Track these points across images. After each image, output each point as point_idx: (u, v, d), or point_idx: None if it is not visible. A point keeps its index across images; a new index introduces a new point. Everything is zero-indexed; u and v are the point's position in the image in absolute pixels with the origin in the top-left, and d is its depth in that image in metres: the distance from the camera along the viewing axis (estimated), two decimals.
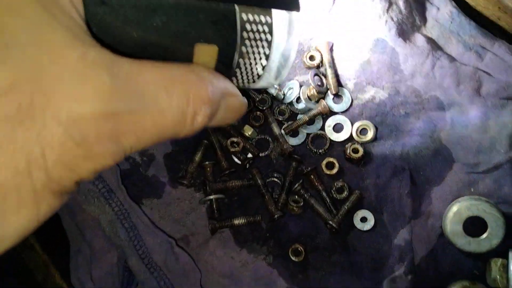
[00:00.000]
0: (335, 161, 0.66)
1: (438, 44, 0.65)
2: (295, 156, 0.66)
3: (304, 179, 0.66)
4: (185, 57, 0.37)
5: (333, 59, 0.68)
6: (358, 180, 0.66)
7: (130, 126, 0.30)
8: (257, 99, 0.68)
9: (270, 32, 0.42)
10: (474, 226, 0.61)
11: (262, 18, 0.41)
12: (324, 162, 0.66)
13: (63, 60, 0.27)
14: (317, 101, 0.68)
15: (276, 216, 0.64)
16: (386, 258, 0.63)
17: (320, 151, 0.67)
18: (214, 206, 0.65)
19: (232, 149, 0.66)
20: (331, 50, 0.68)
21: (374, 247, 0.63)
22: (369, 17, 0.65)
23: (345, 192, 0.65)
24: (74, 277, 0.63)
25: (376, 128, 0.66)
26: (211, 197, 0.64)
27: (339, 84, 0.68)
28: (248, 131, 0.67)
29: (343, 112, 0.68)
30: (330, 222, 0.63)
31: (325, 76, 0.68)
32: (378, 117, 0.67)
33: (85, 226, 0.65)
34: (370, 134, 0.66)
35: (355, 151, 0.65)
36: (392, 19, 0.65)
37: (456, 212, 0.61)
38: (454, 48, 0.64)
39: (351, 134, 0.67)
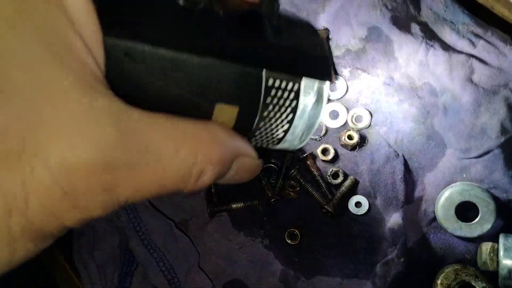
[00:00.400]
0: (330, 147, 0.67)
1: (432, 32, 0.66)
2: None
3: (300, 165, 0.68)
4: (203, 115, 0.36)
5: (329, 47, 0.70)
6: (353, 165, 0.67)
7: (129, 180, 0.29)
8: None
9: (296, 99, 0.40)
10: (466, 211, 0.62)
11: (290, 86, 0.39)
12: (320, 148, 0.68)
13: (65, 106, 0.26)
14: None
15: (272, 200, 0.65)
16: (380, 241, 0.64)
17: (316, 137, 0.68)
18: (213, 190, 0.67)
19: None
20: (327, 38, 0.70)
21: (368, 231, 0.65)
22: (364, 6, 0.66)
23: (340, 178, 0.66)
24: (77, 259, 0.65)
25: (371, 115, 0.68)
26: None
27: (335, 72, 0.69)
28: None
29: (338, 99, 0.69)
30: (326, 207, 0.65)
31: None
32: (373, 104, 0.68)
33: None
34: (365, 121, 0.68)
35: (350, 137, 0.67)
36: (386, 7, 0.66)
37: (448, 197, 0.63)
38: (447, 35, 0.65)
39: (346, 121, 0.68)
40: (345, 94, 0.69)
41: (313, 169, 0.67)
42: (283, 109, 0.39)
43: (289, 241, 0.65)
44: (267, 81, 0.37)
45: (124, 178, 0.28)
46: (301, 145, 0.47)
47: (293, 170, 0.67)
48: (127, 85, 0.32)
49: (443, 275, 0.61)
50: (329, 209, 0.64)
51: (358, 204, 0.66)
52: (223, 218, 0.67)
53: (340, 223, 0.66)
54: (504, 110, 0.60)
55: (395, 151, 0.66)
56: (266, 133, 0.41)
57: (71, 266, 0.64)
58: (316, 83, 0.41)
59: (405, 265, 0.61)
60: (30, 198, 0.26)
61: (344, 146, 0.68)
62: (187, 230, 0.66)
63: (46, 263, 0.64)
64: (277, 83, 0.38)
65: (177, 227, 0.64)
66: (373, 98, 0.68)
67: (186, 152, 0.31)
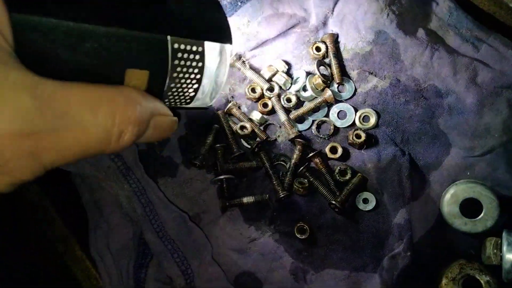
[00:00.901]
0: (338, 146, 0.70)
1: (436, 36, 0.69)
2: (301, 141, 0.70)
3: (309, 162, 0.70)
4: (116, 80, 0.39)
5: (337, 50, 0.72)
6: (360, 163, 0.70)
7: (51, 144, 0.32)
8: (266, 87, 0.72)
9: (202, 61, 0.45)
10: (470, 207, 0.64)
11: (194, 48, 0.44)
12: (328, 146, 0.70)
13: None
14: (323, 90, 0.72)
15: (282, 195, 0.68)
16: (387, 236, 0.66)
17: (325, 136, 0.71)
18: (225, 186, 0.69)
19: (242, 133, 0.70)
20: (335, 41, 0.72)
21: (375, 226, 0.67)
22: (371, 11, 0.69)
23: (348, 175, 0.69)
24: (93, 250, 0.67)
25: (378, 115, 0.70)
26: (222, 177, 0.68)
27: (343, 73, 0.72)
28: (257, 116, 0.71)
29: (346, 100, 0.72)
30: (334, 202, 0.67)
31: (330, 66, 0.72)
32: (380, 105, 0.71)
33: (102, 203, 0.69)
34: (372, 121, 0.70)
35: (358, 136, 0.69)
36: (393, 12, 0.69)
37: (453, 194, 0.65)
38: (451, 40, 0.68)
39: (354, 121, 0.71)
40: (353, 95, 0.72)
41: (321, 167, 0.70)
42: (191, 70, 0.44)
43: (298, 236, 0.67)
44: (172, 45, 0.41)
45: (46, 143, 0.31)
46: (211, 103, 0.50)
47: (302, 168, 0.69)
48: (39, 58, 0.34)
49: (448, 269, 0.63)
50: (337, 205, 0.67)
51: (365, 201, 0.68)
52: (235, 212, 0.69)
53: (348, 218, 0.68)
54: (507, 110, 0.63)
55: (402, 150, 0.68)
56: (178, 93, 0.46)
57: (88, 257, 0.66)
58: (218, 46, 0.46)
59: (411, 259, 0.63)
60: None
61: (352, 144, 0.70)
62: (200, 223, 0.67)
63: (63, 254, 0.66)
64: (182, 47, 0.42)
65: (191, 219, 0.66)
66: (380, 99, 0.70)
67: (103, 114, 0.34)
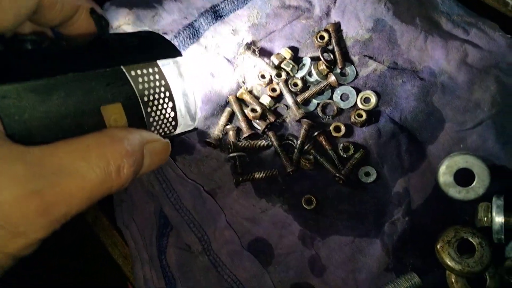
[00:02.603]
0: (342, 125, 0.76)
1: (430, 22, 0.75)
2: (307, 121, 0.76)
3: (315, 140, 0.76)
4: (97, 124, 0.42)
5: (340, 38, 0.79)
6: (362, 140, 0.76)
7: (56, 198, 0.34)
8: (274, 73, 0.78)
9: (163, 78, 0.48)
10: (464, 177, 0.69)
11: (150, 70, 0.47)
12: (332, 126, 0.76)
13: None
14: (326, 75, 0.78)
15: (290, 170, 0.74)
16: (387, 205, 0.72)
17: (329, 117, 0.77)
18: (237, 163, 0.75)
19: (253, 115, 0.77)
20: (338, 30, 0.79)
21: (376, 197, 0.73)
22: (370, 0, 0.76)
23: (351, 151, 0.75)
24: (119, 221, 0.73)
25: (378, 96, 0.76)
26: (235, 154, 0.75)
27: (345, 59, 0.78)
28: (266, 99, 0.78)
29: (349, 83, 0.78)
30: (338, 175, 0.73)
31: (333, 53, 0.78)
32: (379, 87, 0.77)
33: None
34: (372, 102, 0.76)
35: (359, 115, 0.75)
36: (390, 1, 0.75)
37: (447, 166, 0.70)
38: (444, 25, 0.74)
39: (356, 102, 0.77)
40: (354, 79, 0.78)
41: (326, 144, 0.76)
42: (157, 90, 0.48)
43: (306, 206, 0.73)
44: (129, 73, 0.45)
45: (51, 198, 0.33)
46: (196, 122, 0.54)
47: (308, 145, 0.76)
48: (19, 126, 0.38)
49: (444, 233, 0.68)
50: (342, 177, 0.72)
51: (367, 174, 0.74)
52: (247, 187, 0.75)
53: (351, 190, 0.73)
54: (495, 86, 0.69)
55: (400, 127, 0.74)
56: (159, 118, 0.49)
57: (115, 227, 0.73)
58: (170, 60, 0.50)
59: (410, 224, 0.69)
60: None
61: (354, 123, 0.76)
62: (215, 197, 0.73)
63: (91, 222, 0.73)
64: (139, 72, 0.46)
65: (205, 190, 0.72)
66: (380, 81, 0.76)
67: (95, 157, 0.37)
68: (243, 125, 0.77)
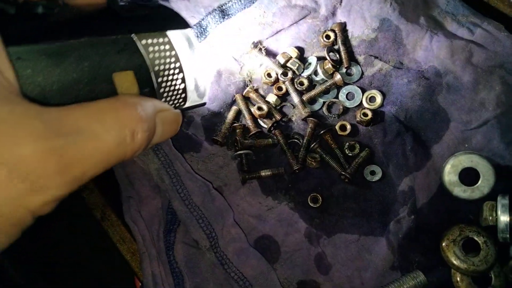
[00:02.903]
0: (347, 124, 0.76)
1: (435, 22, 0.75)
2: (313, 119, 0.77)
3: (320, 139, 0.77)
4: (109, 91, 0.43)
5: (345, 38, 0.80)
6: (367, 139, 0.77)
7: (74, 156, 0.35)
8: (281, 72, 0.79)
9: (173, 49, 0.48)
10: (469, 176, 0.70)
11: (160, 39, 0.48)
12: (338, 124, 0.77)
13: None
14: (332, 74, 0.79)
15: (296, 168, 0.74)
16: (392, 203, 0.73)
17: (335, 116, 0.78)
18: (244, 161, 0.76)
19: (259, 113, 0.77)
20: (343, 30, 0.80)
21: (382, 195, 0.73)
22: (376, 0, 0.76)
23: (357, 149, 0.75)
24: (127, 217, 0.74)
25: (384, 96, 0.77)
26: (241, 152, 0.75)
27: (351, 59, 0.79)
28: (272, 98, 0.79)
29: (354, 83, 0.79)
30: (343, 173, 0.73)
31: (339, 52, 0.79)
32: (385, 86, 0.77)
33: (134, 177, 0.76)
34: (378, 101, 0.77)
35: (365, 114, 0.76)
36: (396, 1, 0.76)
37: (452, 165, 0.71)
38: (449, 25, 0.75)
39: (361, 101, 0.78)
40: (360, 78, 0.79)
41: (332, 143, 0.76)
42: (168, 60, 0.48)
43: (311, 204, 0.74)
44: (140, 41, 0.46)
45: (69, 156, 0.34)
46: (205, 98, 0.53)
47: (314, 143, 0.76)
48: (35, 88, 0.39)
49: (449, 231, 0.69)
50: (347, 176, 0.73)
51: (373, 172, 0.74)
52: (253, 184, 0.76)
53: (357, 188, 0.74)
54: (500, 86, 0.69)
55: (405, 126, 0.75)
56: (170, 88, 0.49)
57: (123, 223, 0.74)
58: (179, 32, 0.50)
59: (415, 222, 0.69)
60: None
61: (360, 122, 0.77)
62: (222, 194, 0.74)
63: (99, 219, 0.74)
64: (149, 41, 0.47)
65: (214, 188, 0.73)
66: (385, 81, 0.77)
67: (110, 121, 0.38)
68: (249, 123, 0.78)
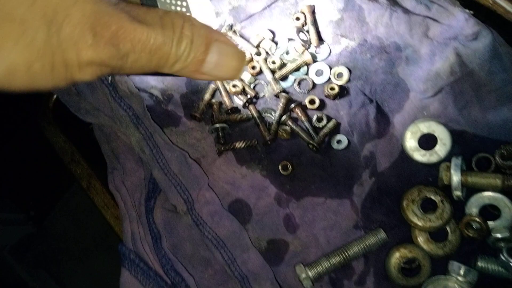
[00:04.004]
0: (316, 98, 0.82)
1: (394, 0, 0.81)
2: (285, 95, 0.82)
3: (291, 112, 0.83)
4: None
5: (314, 19, 0.85)
6: (334, 112, 0.82)
7: (124, 35, 0.36)
8: (254, 52, 0.85)
9: None
10: (427, 142, 0.75)
11: None
12: (307, 99, 0.82)
13: None
14: (302, 53, 0.84)
15: (268, 139, 0.80)
16: (356, 169, 0.78)
17: (305, 91, 0.83)
18: (220, 134, 0.82)
19: (234, 90, 0.83)
20: (313, 12, 0.86)
21: (347, 161, 0.78)
22: None
23: (324, 121, 0.81)
24: (111, 186, 0.80)
25: (350, 72, 0.82)
26: (217, 125, 0.81)
27: (319, 38, 0.85)
28: (247, 77, 0.85)
29: (323, 60, 0.85)
30: (312, 142, 0.79)
31: (308, 32, 0.85)
32: (351, 63, 0.83)
33: (118, 151, 0.83)
34: (345, 77, 0.82)
35: (332, 89, 0.81)
36: None
37: (412, 131, 0.76)
38: (407, 3, 0.80)
39: (329, 77, 0.83)
40: (328, 56, 0.84)
41: (301, 115, 0.82)
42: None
43: (282, 172, 0.79)
44: None
45: (123, 32, 0.36)
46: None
47: (285, 117, 0.82)
48: None
49: (408, 192, 0.74)
50: (315, 145, 0.78)
51: (339, 141, 0.80)
52: (229, 155, 0.81)
53: (324, 156, 0.79)
54: (454, 57, 0.74)
55: (370, 98, 0.80)
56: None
57: (107, 191, 0.80)
58: None
59: (377, 185, 0.74)
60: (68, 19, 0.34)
61: (328, 96, 0.82)
62: (200, 165, 0.80)
63: (86, 187, 0.80)
64: None
65: (191, 157, 0.79)
66: (351, 57, 0.83)
67: (167, 20, 0.38)
68: (225, 99, 0.84)
